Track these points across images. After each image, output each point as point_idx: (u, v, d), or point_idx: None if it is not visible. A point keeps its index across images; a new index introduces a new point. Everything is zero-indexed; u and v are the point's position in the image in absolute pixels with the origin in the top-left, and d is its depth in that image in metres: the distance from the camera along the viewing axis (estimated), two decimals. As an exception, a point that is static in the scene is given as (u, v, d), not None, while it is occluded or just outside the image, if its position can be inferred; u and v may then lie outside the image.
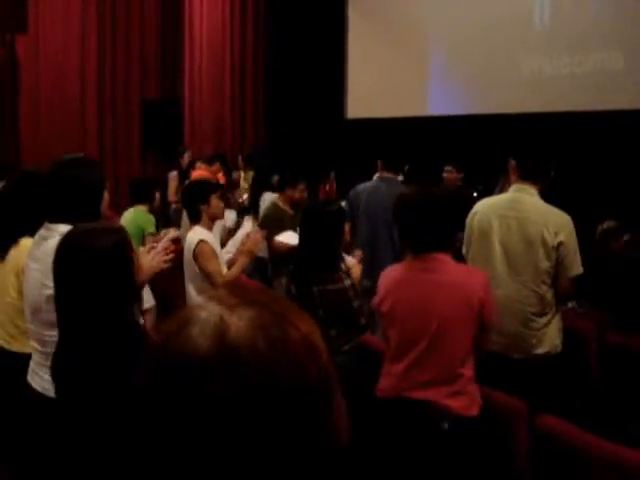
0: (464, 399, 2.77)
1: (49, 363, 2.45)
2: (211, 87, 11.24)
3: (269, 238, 5.66)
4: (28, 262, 2.80)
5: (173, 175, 9.27)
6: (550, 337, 3.31)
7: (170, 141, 11.43)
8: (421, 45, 9.90)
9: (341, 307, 3.48)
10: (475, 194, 7.51)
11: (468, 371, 2.83)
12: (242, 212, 6.94)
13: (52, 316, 2.43)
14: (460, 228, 3.64)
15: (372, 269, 4.98)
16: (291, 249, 5.35)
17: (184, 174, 8.88)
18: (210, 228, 4.38)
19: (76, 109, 11.85)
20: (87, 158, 3.27)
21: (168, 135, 11.55)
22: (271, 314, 0.87)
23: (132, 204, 5.98)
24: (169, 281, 4.48)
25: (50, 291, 2.46)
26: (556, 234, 3.21)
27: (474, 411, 2.78)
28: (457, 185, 7.46)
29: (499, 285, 3.31)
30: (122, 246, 2.27)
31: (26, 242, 3.06)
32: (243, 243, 4.42)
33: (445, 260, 2.90)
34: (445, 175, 7.59)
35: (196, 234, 4.27)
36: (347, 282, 3.53)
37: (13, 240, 3.20)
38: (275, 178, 6.69)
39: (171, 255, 2.91)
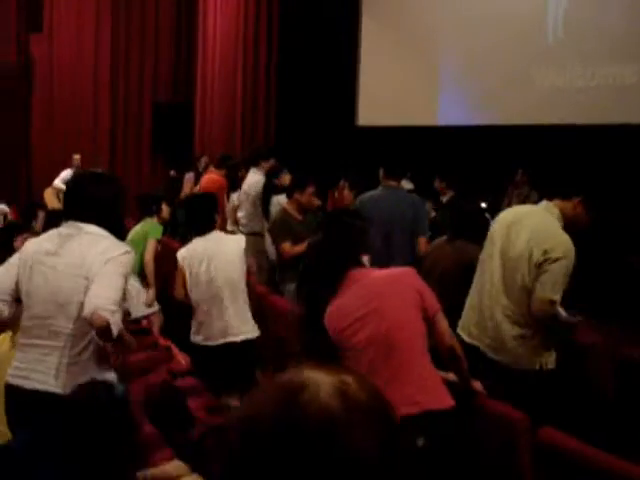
0: (434, 392, 2.68)
1: (56, 355, 2.65)
2: (222, 92, 11.28)
3: (278, 243, 5.66)
4: (42, 258, 2.81)
5: (189, 177, 9.34)
6: (537, 353, 3.29)
7: (180, 144, 11.48)
8: (433, 55, 9.92)
9: None
10: (484, 205, 7.50)
11: (429, 363, 2.73)
12: None
13: (80, 308, 2.61)
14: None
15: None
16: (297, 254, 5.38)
17: (198, 177, 8.95)
18: None
19: (89, 109, 11.93)
20: (103, 175, 3.28)
21: (178, 138, 11.60)
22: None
23: (141, 218, 6.06)
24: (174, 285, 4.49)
25: (87, 282, 2.65)
26: (545, 252, 3.15)
27: (449, 402, 2.69)
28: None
29: (492, 296, 3.35)
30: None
31: None
32: None
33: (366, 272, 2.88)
34: (438, 184, 7.62)
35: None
36: None
37: None
38: (282, 180, 6.73)
39: None
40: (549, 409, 3.11)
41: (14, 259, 2.89)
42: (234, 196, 7.45)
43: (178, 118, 11.79)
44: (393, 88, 10.29)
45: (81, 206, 2.87)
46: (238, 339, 4.30)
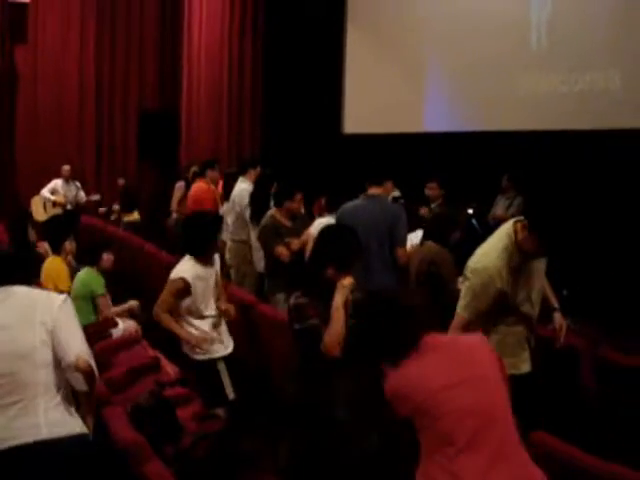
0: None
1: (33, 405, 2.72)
2: (208, 99, 11.28)
3: (272, 248, 5.67)
4: None
5: (180, 185, 9.31)
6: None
7: (167, 152, 11.47)
8: (418, 63, 9.97)
9: None
10: (470, 211, 7.55)
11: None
12: None
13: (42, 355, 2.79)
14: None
15: (365, 283, 4.99)
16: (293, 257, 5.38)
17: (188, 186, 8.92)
18: None
19: (74, 119, 11.89)
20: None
21: (165, 146, 11.58)
22: None
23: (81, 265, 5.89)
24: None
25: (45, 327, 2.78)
26: (467, 267, 3.35)
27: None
28: (443, 203, 7.48)
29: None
30: None
31: None
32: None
33: None
34: (427, 192, 7.63)
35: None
36: None
37: None
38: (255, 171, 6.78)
39: None
40: (534, 412, 3.12)
41: None
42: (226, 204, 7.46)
43: (164, 126, 11.78)
44: (378, 96, 10.33)
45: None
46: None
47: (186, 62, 11.42)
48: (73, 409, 2.81)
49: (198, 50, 11.28)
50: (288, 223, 5.77)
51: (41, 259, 6.52)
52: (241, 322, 5.15)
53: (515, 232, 3.29)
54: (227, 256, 7.11)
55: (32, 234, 7.54)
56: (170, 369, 4.47)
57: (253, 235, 6.61)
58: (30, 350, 2.73)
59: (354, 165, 9.23)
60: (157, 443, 2.93)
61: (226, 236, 7.15)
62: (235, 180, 7.50)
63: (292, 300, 3.28)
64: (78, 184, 10.78)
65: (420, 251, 4.80)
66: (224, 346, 4.32)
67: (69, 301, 2.91)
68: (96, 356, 4.31)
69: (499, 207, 8.37)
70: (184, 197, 8.79)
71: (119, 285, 6.34)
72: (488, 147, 8.54)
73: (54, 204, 10.38)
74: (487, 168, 8.34)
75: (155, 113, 12.11)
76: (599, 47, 7.76)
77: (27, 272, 3.05)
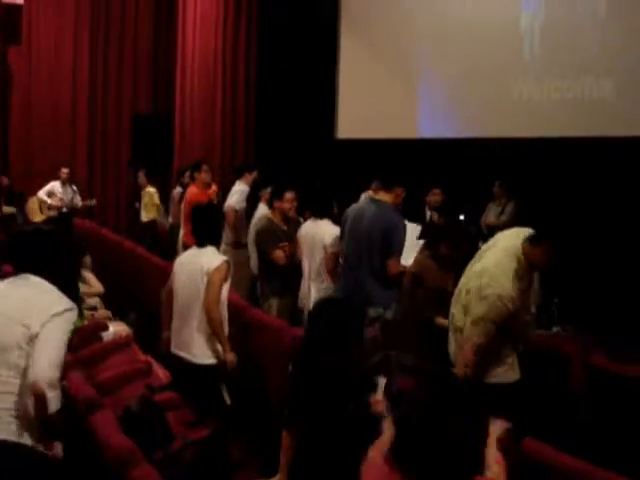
0: None
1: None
2: (202, 104, 11.27)
3: (269, 251, 5.67)
4: None
5: (177, 192, 9.29)
6: (490, 368, 3.38)
7: (160, 157, 11.45)
8: (412, 68, 9.99)
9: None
10: (462, 217, 7.55)
11: None
12: None
13: (19, 358, 2.62)
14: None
15: (355, 293, 4.96)
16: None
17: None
18: None
19: (67, 121, 11.88)
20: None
21: (158, 150, 11.56)
22: None
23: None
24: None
25: (25, 331, 2.62)
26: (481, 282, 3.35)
27: None
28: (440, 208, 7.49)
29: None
30: None
31: None
32: None
33: None
34: (430, 198, 7.64)
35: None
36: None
37: None
38: (268, 192, 6.75)
39: None
40: (525, 419, 3.12)
41: None
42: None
43: (157, 130, 11.76)
44: (372, 101, 10.34)
45: (29, 260, 2.85)
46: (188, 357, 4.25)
47: (180, 66, 11.41)
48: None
49: (192, 54, 11.27)
50: (284, 226, 5.78)
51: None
52: (232, 327, 5.14)
53: (525, 253, 3.34)
54: None
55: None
56: (161, 373, 4.46)
57: (249, 237, 6.67)
58: (9, 347, 2.62)
59: (347, 170, 9.26)
60: (147, 448, 2.92)
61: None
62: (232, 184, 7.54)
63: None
64: (75, 188, 10.79)
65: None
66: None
67: (68, 315, 2.74)
68: (86, 360, 4.33)
69: (491, 214, 8.40)
70: (178, 203, 8.77)
71: (110, 290, 6.33)
72: (480, 154, 8.56)
73: (50, 207, 10.38)
74: (479, 175, 8.36)
75: (148, 116, 12.10)
76: (592, 55, 7.78)
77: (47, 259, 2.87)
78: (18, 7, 11.40)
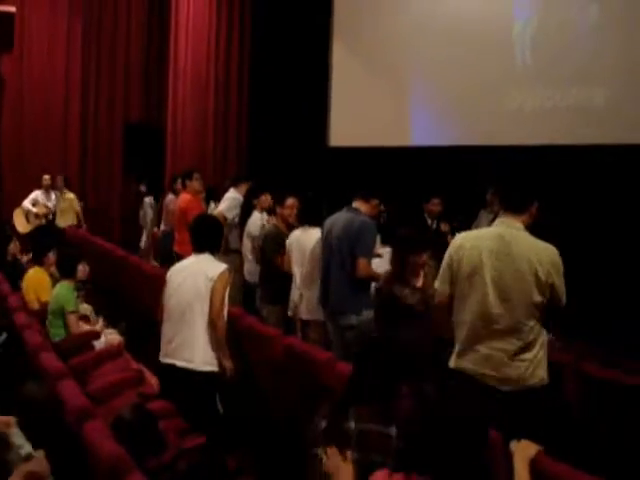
0: None
1: None
2: (194, 112, 11.28)
3: (274, 256, 5.69)
4: None
5: (171, 199, 9.29)
6: (540, 368, 3.31)
7: (152, 165, 11.44)
8: (404, 76, 10.02)
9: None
10: (454, 224, 7.56)
11: None
12: None
13: None
14: None
15: (326, 300, 4.99)
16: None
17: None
18: None
19: (59, 129, 11.87)
20: None
21: (150, 159, 11.55)
22: None
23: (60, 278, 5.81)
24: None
25: None
26: (549, 272, 3.21)
27: None
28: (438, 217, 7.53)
29: (492, 320, 3.31)
30: None
31: None
32: None
33: None
34: (430, 207, 7.64)
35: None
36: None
37: None
38: (261, 199, 6.78)
39: None
40: (536, 426, 3.11)
41: None
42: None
43: (149, 139, 11.75)
44: (364, 109, 10.37)
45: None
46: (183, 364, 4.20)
47: (172, 74, 11.42)
48: None
49: (184, 62, 11.28)
50: (288, 232, 5.80)
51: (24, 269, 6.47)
52: (226, 334, 5.13)
53: (523, 224, 3.39)
54: None
55: (15, 246, 7.50)
56: (153, 382, 4.44)
57: (244, 244, 6.69)
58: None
59: (339, 178, 9.27)
60: (139, 456, 2.90)
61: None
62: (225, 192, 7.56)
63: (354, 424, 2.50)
64: (58, 193, 10.76)
65: None
66: None
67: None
68: (78, 368, 4.31)
69: (483, 221, 8.38)
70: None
71: (102, 297, 6.31)
72: (474, 162, 8.58)
73: (36, 215, 10.35)
74: (472, 182, 8.37)
75: (140, 125, 12.09)
76: (584, 63, 7.82)
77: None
78: (10, 14, 11.38)
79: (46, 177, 10.58)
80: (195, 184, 7.83)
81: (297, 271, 5.50)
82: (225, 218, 6.92)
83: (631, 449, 3.65)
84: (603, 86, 7.67)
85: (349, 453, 2.39)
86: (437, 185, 8.05)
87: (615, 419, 3.81)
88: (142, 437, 3.17)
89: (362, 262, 4.69)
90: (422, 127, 9.78)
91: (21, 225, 10.31)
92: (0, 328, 4.55)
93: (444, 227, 7.42)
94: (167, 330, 4.28)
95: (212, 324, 4.11)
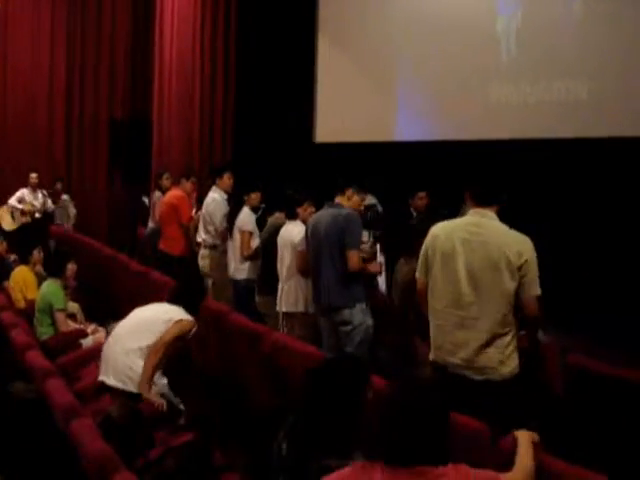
0: None
1: None
2: (180, 108, 11.23)
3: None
4: None
5: (157, 196, 9.26)
6: (513, 357, 3.35)
7: (137, 161, 11.41)
8: (389, 71, 10.03)
9: None
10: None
11: None
12: None
13: None
14: None
15: (317, 295, 5.00)
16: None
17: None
18: None
19: (44, 126, 11.81)
20: None
21: (136, 155, 11.51)
22: None
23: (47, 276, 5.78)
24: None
25: None
26: (519, 254, 3.23)
27: None
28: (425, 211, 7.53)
29: (465, 307, 3.35)
30: None
31: None
32: None
33: None
34: (417, 202, 7.64)
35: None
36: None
37: None
38: (252, 197, 6.75)
39: None
40: (511, 415, 3.14)
41: None
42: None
43: (135, 134, 11.70)
44: (350, 105, 10.37)
45: None
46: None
47: (157, 70, 11.36)
48: None
49: (170, 58, 11.23)
50: None
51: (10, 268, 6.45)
52: (213, 332, 5.13)
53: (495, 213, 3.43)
54: (201, 264, 7.12)
55: (1, 245, 7.47)
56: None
57: (230, 242, 6.66)
58: None
59: (325, 174, 9.27)
60: (127, 454, 2.91)
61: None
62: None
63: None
64: (45, 192, 10.72)
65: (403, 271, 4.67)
66: None
67: None
68: (65, 366, 4.30)
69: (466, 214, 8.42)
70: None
71: (89, 295, 6.30)
72: (460, 156, 8.60)
73: (22, 213, 10.31)
74: (457, 177, 8.38)
75: (126, 122, 12.04)
76: (568, 57, 7.86)
77: None
78: (-7, 11, 11.32)
79: (33, 175, 10.54)
80: (188, 185, 7.81)
81: (279, 265, 5.54)
82: (250, 232, 6.77)
83: (617, 440, 3.68)
84: (587, 79, 7.71)
85: None
86: (423, 180, 8.07)
87: (602, 410, 3.84)
88: (130, 435, 3.18)
89: (352, 254, 4.70)
90: (407, 122, 9.79)
91: (7, 223, 10.26)
92: None
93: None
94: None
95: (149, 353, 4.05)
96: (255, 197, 6.84)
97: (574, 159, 7.50)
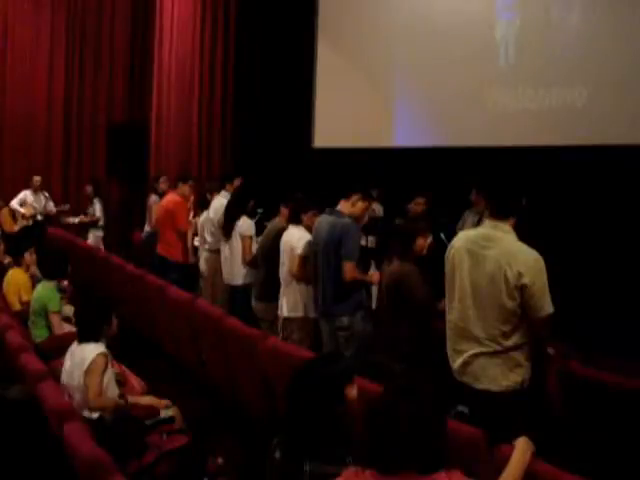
0: None
1: None
2: (178, 113, 11.23)
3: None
4: None
5: (154, 199, 9.22)
6: (517, 372, 3.31)
7: (135, 165, 11.38)
8: (388, 77, 10.03)
9: None
10: (442, 235, 7.51)
11: None
12: None
13: None
14: None
15: (318, 300, 4.99)
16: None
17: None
18: None
19: (42, 131, 11.79)
20: None
21: (133, 159, 11.48)
22: None
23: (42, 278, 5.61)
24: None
25: None
26: (519, 275, 3.15)
27: None
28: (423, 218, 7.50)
29: (468, 322, 3.34)
30: None
31: None
32: None
33: None
34: (413, 206, 7.62)
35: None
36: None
37: None
38: (251, 203, 6.70)
39: None
40: (512, 427, 3.11)
41: None
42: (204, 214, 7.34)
43: (133, 139, 11.68)
44: (349, 110, 10.37)
45: None
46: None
47: (156, 75, 11.36)
48: None
49: (169, 62, 11.23)
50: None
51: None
52: (209, 336, 5.11)
53: (511, 226, 3.36)
54: (203, 267, 7.08)
55: (1, 246, 7.46)
56: (136, 383, 4.40)
57: (226, 247, 6.59)
58: None
59: (324, 179, 9.26)
60: (120, 458, 2.88)
61: (202, 247, 7.19)
62: (212, 193, 7.48)
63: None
64: (47, 194, 10.70)
65: (387, 272, 4.62)
66: None
67: None
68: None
69: (468, 221, 8.39)
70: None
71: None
72: (459, 162, 8.61)
73: (23, 216, 10.29)
74: (456, 183, 8.39)
75: (124, 126, 12.01)
76: (566, 63, 7.87)
77: None
78: (-7, 15, 11.32)
79: (37, 178, 10.52)
80: (186, 189, 7.73)
81: (280, 270, 5.51)
82: (251, 237, 6.71)
83: (614, 449, 3.66)
84: (585, 86, 7.71)
85: None
86: (421, 186, 8.05)
87: (599, 419, 3.82)
88: (123, 439, 3.15)
89: (347, 265, 4.71)
90: (406, 128, 9.79)
91: (8, 225, 10.24)
92: None
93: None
94: None
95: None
96: (250, 202, 6.81)
97: (573, 166, 7.50)
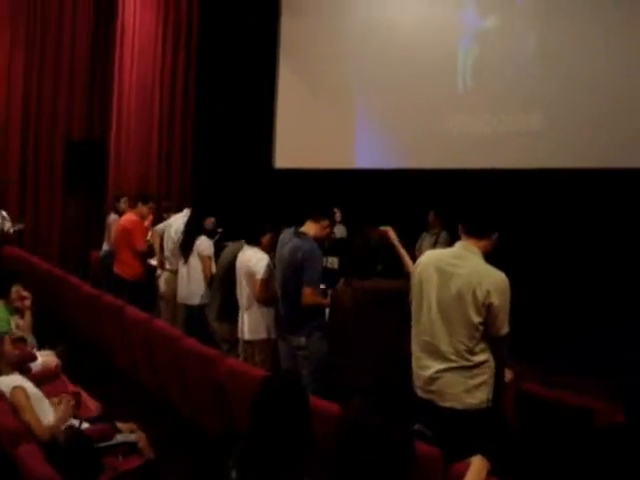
0: None
1: None
2: (138, 130, 11.17)
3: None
4: None
5: (114, 218, 9.14)
6: (482, 390, 3.36)
7: (94, 182, 11.27)
8: (349, 99, 10.13)
9: None
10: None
11: None
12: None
13: None
14: None
15: (278, 319, 4.98)
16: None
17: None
18: None
19: (-2, 147, 11.59)
20: None
21: (92, 176, 11.37)
22: None
23: None
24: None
25: None
26: (488, 293, 3.25)
27: None
28: None
29: (435, 337, 3.39)
30: None
31: None
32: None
33: None
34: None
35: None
36: None
37: None
38: (209, 222, 6.67)
39: None
40: (472, 445, 3.14)
41: None
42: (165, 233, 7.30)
43: (92, 156, 11.56)
44: (310, 131, 10.44)
45: None
46: None
47: (116, 91, 11.29)
48: None
49: (129, 79, 11.18)
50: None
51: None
52: (167, 356, 5.06)
53: (481, 250, 3.42)
54: (163, 287, 7.03)
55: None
56: (91, 404, 4.34)
57: (183, 266, 6.55)
58: None
59: (284, 200, 9.29)
60: (75, 479, 2.84)
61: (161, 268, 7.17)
62: (169, 212, 7.47)
63: None
64: (4, 214, 10.50)
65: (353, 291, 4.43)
66: None
67: None
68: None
69: (425, 243, 8.51)
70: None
71: (40, 319, 6.16)
72: (416, 184, 8.70)
73: None
74: (415, 205, 8.48)
75: (83, 143, 11.89)
76: (522, 91, 8.04)
77: None
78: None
79: None
80: (144, 209, 7.71)
81: (238, 292, 5.47)
82: (210, 257, 6.67)
83: (570, 468, 3.71)
84: (541, 111, 7.89)
85: None
86: (380, 207, 8.13)
87: (555, 438, 3.87)
88: (77, 460, 3.10)
89: (307, 291, 4.64)
90: (366, 150, 9.89)
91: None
92: None
93: None
94: None
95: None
96: (209, 222, 6.80)
97: (529, 189, 7.64)
